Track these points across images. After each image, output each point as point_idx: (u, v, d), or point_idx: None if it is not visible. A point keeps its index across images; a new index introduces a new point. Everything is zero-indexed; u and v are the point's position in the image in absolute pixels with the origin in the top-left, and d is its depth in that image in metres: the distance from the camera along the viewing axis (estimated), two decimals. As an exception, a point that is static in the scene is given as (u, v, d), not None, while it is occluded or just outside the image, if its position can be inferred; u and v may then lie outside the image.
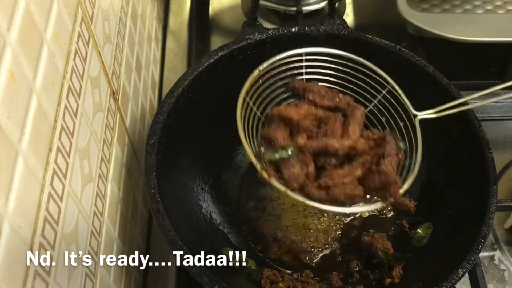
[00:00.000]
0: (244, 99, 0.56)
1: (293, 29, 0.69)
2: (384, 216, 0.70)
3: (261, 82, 0.58)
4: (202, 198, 0.67)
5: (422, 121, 0.58)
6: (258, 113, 0.58)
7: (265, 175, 0.52)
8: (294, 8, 0.91)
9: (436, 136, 0.66)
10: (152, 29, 0.84)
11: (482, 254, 0.70)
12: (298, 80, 0.60)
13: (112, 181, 0.57)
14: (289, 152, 0.54)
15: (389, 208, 0.70)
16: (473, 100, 0.60)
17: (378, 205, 0.54)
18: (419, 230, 0.65)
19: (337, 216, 0.69)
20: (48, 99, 0.40)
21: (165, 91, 0.73)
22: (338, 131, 0.56)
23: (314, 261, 0.66)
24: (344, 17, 0.93)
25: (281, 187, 0.52)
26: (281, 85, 0.60)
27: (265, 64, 0.58)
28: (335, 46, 0.69)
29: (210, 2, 0.98)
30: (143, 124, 0.72)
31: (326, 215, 0.69)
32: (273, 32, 0.68)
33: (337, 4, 0.93)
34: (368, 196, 0.55)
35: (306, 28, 0.69)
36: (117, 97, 0.60)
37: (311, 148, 0.55)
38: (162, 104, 0.61)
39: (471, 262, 0.54)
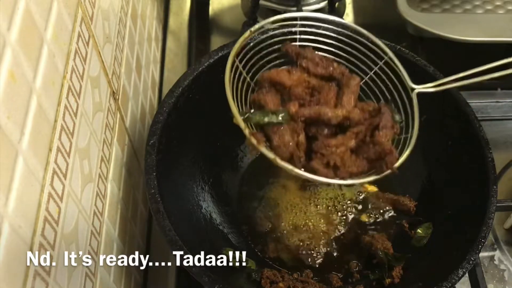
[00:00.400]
0: (234, 62, 0.53)
1: (293, 29, 0.68)
2: (384, 216, 0.70)
3: (251, 44, 0.56)
4: (202, 198, 0.67)
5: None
6: (248, 78, 0.56)
7: (253, 140, 0.49)
8: (294, 8, 0.91)
9: (436, 136, 0.67)
10: (152, 29, 0.84)
11: (482, 254, 0.70)
12: (291, 45, 0.58)
13: (112, 181, 0.57)
14: (279, 118, 0.52)
15: (388, 208, 0.70)
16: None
17: (373, 178, 0.52)
18: (419, 230, 0.65)
19: (337, 217, 0.69)
20: (48, 99, 0.40)
21: (165, 91, 0.73)
22: (332, 100, 0.54)
23: (314, 261, 0.66)
24: (344, 17, 0.94)
25: (270, 154, 0.49)
26: (273, 50, 0.58)
27: (257, 26, 0.56)
28: (335, 46, 0.69)
29: (210, 2, 0.98)
30: (143, 124, 0.72)
31: (325, 216, 0.69)
32: (273, 32, 0.68)
33: (337, 4, 0.93)
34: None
35: (306, 28, 0.69)
36: (117, 97, 0.60)
37: (303, 116, 0.53)
38: (162, 104, 0.61)
39: (471, 262, 0.54)
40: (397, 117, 0.56)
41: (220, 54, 0.66)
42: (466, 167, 0.64)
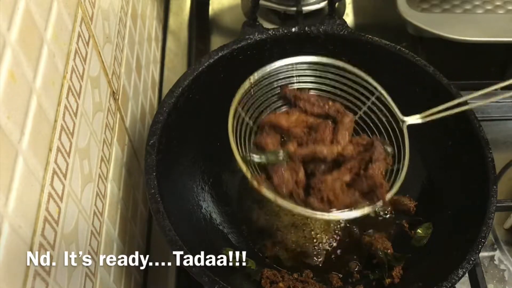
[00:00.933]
0: (236, 110, 0.57)
1: (293, 29, 0.69)
2: (384, 216, 0.70)
3: (252, 93, 0.60)
4: (202, 198, 0.67)
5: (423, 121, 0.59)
6: (251, 123, 0.59)
7: (254, 183, 0.53)
8: (294, 8, 0.91)
9: (436, 136, 0.67)
10: (152, 29, 0.84)
11: (482, 254, 0.70)
12: (289, 89, 0.62)
13: (112, 181, 0.57)
14: (279, 158, 0.56)
15: (388, 208, 0.70)
16: (472, 101, 0.60)
17: (367, 210, 0.55)
18: (419, 230, 0.65)
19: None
20: (48, 99, 0.40)
21: (165, 91, 0.73)
22: (328, 137, 0.58)
23: (314, 260, 0.66)
24: (344, 17, 0.93)
25: (271, 195, 0.52)
26: (273, 94, 0.62)
27: (256, 75, 0.60)
28: (335, 46, 0.69)
29: (210, 2, 0.98)
30: (143, 124, 0.72)
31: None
32: (273, 32, 0.68)
33: (337, 4, 0.93)
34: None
35: (306, 28, 0.69)
36: (117, 97, 0.60)
37: (300, 155, 0.57)
38: (162, 104, 0.61)
39: (471, 262, 0.54)
40: (389, 149, 0.59)
41: (220, 54, 0.66)
42: (466, 167, 0.64)
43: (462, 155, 0.65)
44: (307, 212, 0.53)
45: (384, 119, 0.61)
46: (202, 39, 0.93)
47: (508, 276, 0.69)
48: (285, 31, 0.68)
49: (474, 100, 0.60)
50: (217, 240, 0.65)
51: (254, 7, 0.74)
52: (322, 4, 0.93)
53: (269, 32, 0.68)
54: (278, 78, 0.62)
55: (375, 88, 0.62)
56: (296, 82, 0.63)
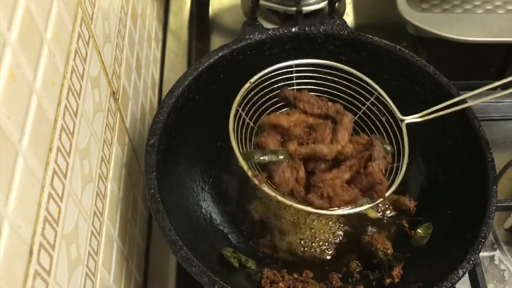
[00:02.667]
0: (237, 110, 0.58)
1: (293, 29, 0.69)
2: (384, 216, 0.70)
3: (252, 93, 0.61)
4: (202, 198, 0.67)
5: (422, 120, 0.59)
6: (251, 123, 0.61)
7: (256, 181, 0.54)
8: (294, 8, 0.91)
9: (436, 136, 0.67)
10: (152, 29, 0.84)
11: (482, 254, 0.70)
12: (288, 90, 0.63)
13: (112, 181, 0.57)
14: (280, 157, 0.57)
15: (388, 208, 0.70)
16: (470, 100, 0.61)
17: (366, 207, 0.57)
18: (419, 230, 0.65)
19: (337, 217, 0.69)
20: (48, 99, 0.40)
21: (165, 91, 0.73)
22: (328, 137, 0.59)
23: (314, 260, 0.66)
24: (344, 17, 0.93)
25: (271, 193, 0.54)
26: (273, 96, 0.63)
27: (256, 77, 0.61)
28: (335, 46, 0.69)
29: (210, 2, 0.98)
30: (143, 124, 0.72)
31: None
32: (273, 32, 0.68)
33: (337, 4, 0.93)
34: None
35: (306, 28, 0.69)
36: (117, 97, 0.60)
37: (301, 154, 0.57)
38: (162, 104, 0.61)
39: (471, 262, 0.54)
40: (389, 148, 0.60)
41: (220, 54, 0.66)
42: (466, 167, 0.64)
43: (462, 155, 0.65)
44: (307, 209, 0.55)
45: (383, 119, 0.62)
46: (202, 39, 0.93)
47: (508, 276, 0.69)
48: (285, 31, 0.68)
49: (472, 99, 0.60)
50: (217, 240, 0.65)
51: (254, 7, 0.74)
52: (322, 4, 0.93)
53: (269, 32, 0.68)
54: (277, 79, 0.63)
55: (374, 88, 0.62)
56: (296, 84, 0.63)
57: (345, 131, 0.59)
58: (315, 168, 0.58)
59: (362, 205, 0.57)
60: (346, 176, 0.57)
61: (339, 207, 0.56)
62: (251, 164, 0.56)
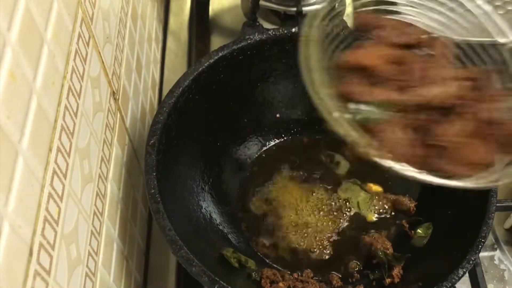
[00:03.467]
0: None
1: (293, 30, 0.69)
2: (384, 216, 0.70)
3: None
4: (202, 198, 0.67)
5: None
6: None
7: (374, 152, 0.39)
8: (294, 9, 0.91)
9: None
10: (152, 30, 0.84)
11: (482, 254, 0.69)
12: (366, 15, 0.49)
13: (112, 181, 0.57)
14: (386, 112, 0.41)
15: (388, 208, 0.70)
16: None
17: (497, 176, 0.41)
18: (419, 230, 0.65)
19: (337, 217, 0.69)
20: (48, 99, 0.40)
21: (165, 91, 0.73)
22: (430, 74, 0.43)
23: (314, 260, 0.66)
24: (344, 17, 0.93)
25: (397, 166, 0.39)
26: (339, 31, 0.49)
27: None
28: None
29: (210, 2, 0.98)
30: (143, 124, 0.72)
31: (325, 215, 0.69)
32: (273, 33, 0.68)
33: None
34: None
35: (306, 28, 0.69)
36: (117, 97, 0.60)
37: (409, 102, 0.42)
38: (162, 104, 0.61)
39: (471, 262, 0.54)
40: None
41: (220, 54, 0.66)
42: (466, 167, 0.64)
43: (462, 155, 0.64)
44: (444, 181, 0.40)
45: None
46: (202, 39, 0.93)
47: (508, 276, 0.69)
48: (285, 31, 0.68)
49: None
50: (217, 240, 0.65)
51: (254, 7, 0.74)
52: (322, 5, 0.93)
53: (269, 32, 0.68)
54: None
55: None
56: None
57: (447, 64, 0.45)
58: (427, 122, 0.42)
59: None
60: (469, 127, 0.41)
61: (480, 172, 0.40)
62: (346, 126, 0.39)
